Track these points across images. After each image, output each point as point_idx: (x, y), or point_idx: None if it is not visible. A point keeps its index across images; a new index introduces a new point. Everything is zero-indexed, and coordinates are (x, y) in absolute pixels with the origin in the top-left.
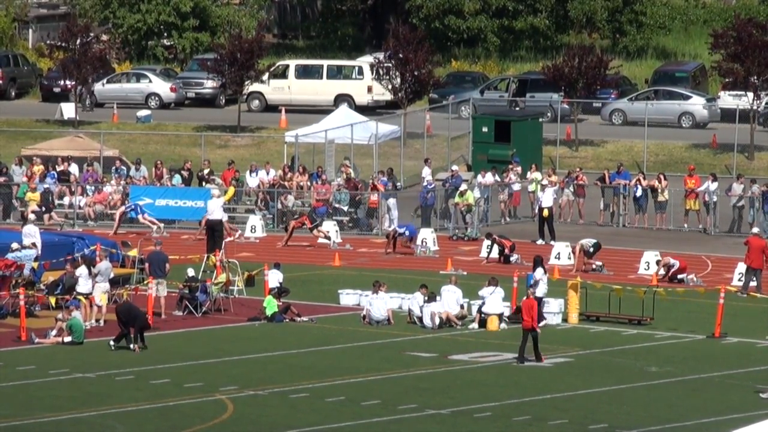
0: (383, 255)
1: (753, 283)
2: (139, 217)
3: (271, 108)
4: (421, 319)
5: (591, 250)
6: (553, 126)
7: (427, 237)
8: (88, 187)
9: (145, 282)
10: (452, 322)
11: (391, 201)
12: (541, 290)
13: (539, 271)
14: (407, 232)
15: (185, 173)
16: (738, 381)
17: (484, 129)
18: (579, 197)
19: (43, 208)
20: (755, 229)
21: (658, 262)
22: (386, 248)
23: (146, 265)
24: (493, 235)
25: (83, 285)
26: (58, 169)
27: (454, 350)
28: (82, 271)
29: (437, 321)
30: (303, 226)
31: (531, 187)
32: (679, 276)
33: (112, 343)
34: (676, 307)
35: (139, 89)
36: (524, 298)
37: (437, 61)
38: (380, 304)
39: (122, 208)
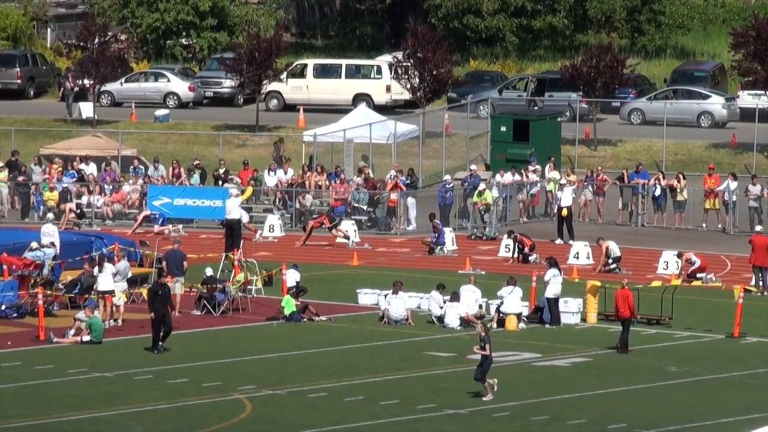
0: (418, 254)
1: (761, 283)
2: (156, 226)
3: (289, 107)
4: (440, 318)
5: (611, 260)
6: (572, 125)
7: (446, 236)
8: (106, 186)
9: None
10: (471, 322)
11: (410, 200)
12: (551, 290)
13: (551, 271)
14: (439, 238)
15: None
16: (758, 381)
17: (503, 128)
18: (598, 196)
19: (79, 211)
20: (758, 227)
21: (680, 255)
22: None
23: (163, 263)
24: (515, 232)
25: (105, 283)
26: (76, 168)
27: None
28: (107, 268)
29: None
30: (322, 225)
31: (549, 186)
32: (698, 275)
33: (155, 351)
34: (694, 307)
35: (158, 88)
36: (618, 288)
37: (456, 61)
38: (399, 303)
39: (147, 212)
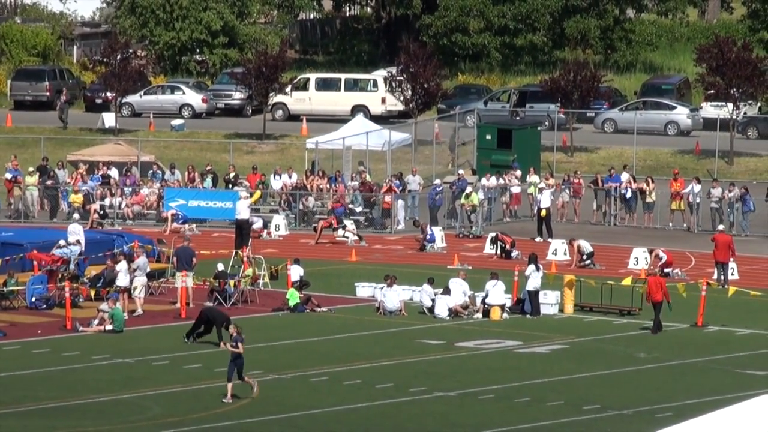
0: (411, 251)
1: (722, 276)
2: (174, 223)
3: (293, 117)
4: (430, 309)
5: (584, 256)
6: (551, 134)
7: (436, 234)
8: (126, 189)
9: (176, 275)
10: (459, 313)
11: (401, 202)
12: (531, 284)
13: (530, 267)
14: (428, 236)
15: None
16: (719, 366)
17: (488, 136)
18: (574, 198)
19: (102, 212)
20: (721, 227)
21: (651, 251)
22: (419, 244)
23: (174, 259)
24: (496, 233)
25: (122, 279)
26: (103, 173)
27: (460, 338)
28: (121, 266)
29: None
30: (330, 226)
31: (530, 189)
32: (666, 270)
33: (184, 337)
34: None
35: (174, 100)
36: (650, 276)
37: (445, 75)
38: (393, 295)
39: (173, 210)
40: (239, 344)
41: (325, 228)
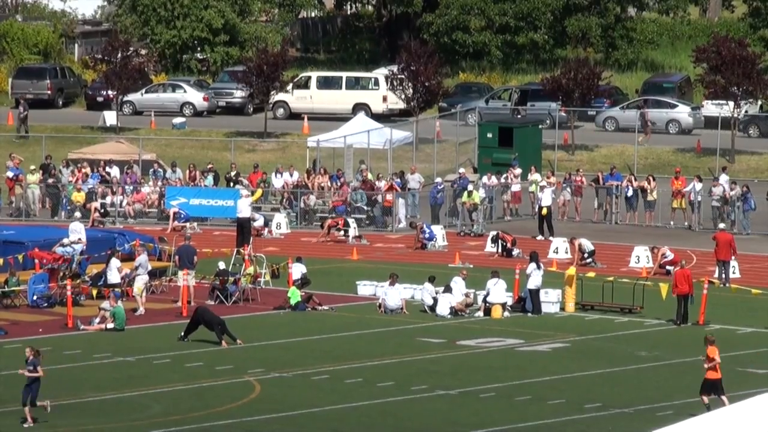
0: (410, 250)
1: (723, 275)
2: (176, 222)
3: (294, 116)
4: (431, 307)
5: (586, 254)
6: (552, 132)
7: (437, 233)
8: (128, 187)
9: (177, 273)
10: (461, 311)
11: (401, 201)
12: (533, 282)
13: (531, 265)
14: (428, 234)
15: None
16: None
17: (489, 135)
18: (576, 196)
19: (103, 210)
20: (722, 225)
21: (654, 249)
22: (415, 245)
23: (176, 257)
24: (497, 231)
25: (114, 277)
26: (104, 171)
27: (461, 336)
28: (113, 263)
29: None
30: (337, 225)
31: (531, 188)
32: (668, 267)
33: (182, 335)
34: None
35: (175, 98)
36: (678, 268)
37: (446, 73)
38: (394, 294)
39: (175, 209)
40: (37, 368)
41: (332, 227)
